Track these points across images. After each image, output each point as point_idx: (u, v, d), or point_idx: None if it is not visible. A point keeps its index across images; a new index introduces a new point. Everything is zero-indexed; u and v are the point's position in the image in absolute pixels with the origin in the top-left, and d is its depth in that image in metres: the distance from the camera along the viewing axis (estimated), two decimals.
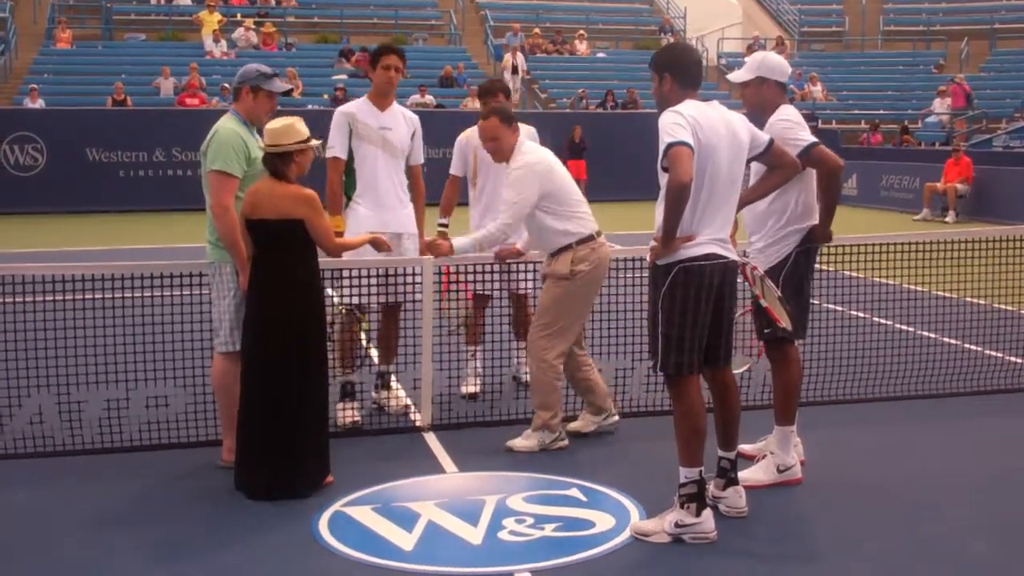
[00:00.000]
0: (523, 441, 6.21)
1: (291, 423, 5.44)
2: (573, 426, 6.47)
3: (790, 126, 5.44)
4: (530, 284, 7.32)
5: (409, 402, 6.88)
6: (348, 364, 6.75)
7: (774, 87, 5.63)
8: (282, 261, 5.45)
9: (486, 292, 7.28)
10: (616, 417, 6.56)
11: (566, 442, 6.26)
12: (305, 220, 5.41)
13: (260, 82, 5.92)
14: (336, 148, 6.76)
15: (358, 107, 6.85)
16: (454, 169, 7.51)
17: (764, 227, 5.58)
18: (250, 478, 5.47)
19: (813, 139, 5.43)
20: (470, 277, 7.10)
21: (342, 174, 6.79)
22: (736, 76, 5.75)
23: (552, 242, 6.14)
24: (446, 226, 7.44)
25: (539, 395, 6.19)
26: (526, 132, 7.43)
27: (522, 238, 6.64)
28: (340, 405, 6.69)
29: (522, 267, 7.20)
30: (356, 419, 6.69)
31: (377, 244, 6.15)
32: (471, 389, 7.38)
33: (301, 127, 5.47)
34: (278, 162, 5.44)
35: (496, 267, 6.97)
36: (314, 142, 5.54)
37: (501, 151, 6.22)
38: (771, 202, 5.52)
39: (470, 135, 7.45)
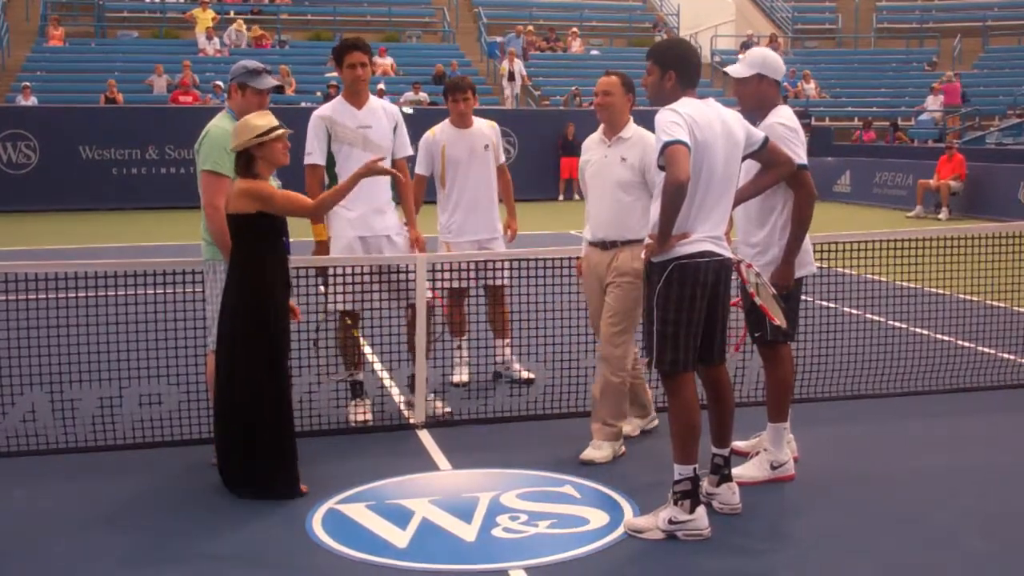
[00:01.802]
0: (599, 452, 5.97)
1: (238, 420, 5.40)
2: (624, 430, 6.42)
3: (789, 136, 5.39)
4: (506, 277, 7.34)
5: (369, 418, 6.77)
6: (353, 364, 6.73)
7: (773, 85, 5.61)
8: (235, 256, 5.41)
9: (463, 286, 7.31)
10: (656, 421, 6.51)
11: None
12: (263, 212, 5.29)
13: (247, 79, 5.91)
14: (314, 155, 6.61)
15: (334, 109, 6.69)
16: (420, 168, 7.44)
17: (756, 235, 5.57)
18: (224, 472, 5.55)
19: (804, 161, 5.40)
20: (447, 274, 7.12)
21: (321, 181, 6.65)
22: (735, 70, 5.61)
23: (639, 230, 5.84)
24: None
25: (613, 405, 5.97)
26: (492, 128, 7.50)
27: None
28: (351, 404, 6.70)
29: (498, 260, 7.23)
30: (367, 417, 6.68)
31: (373, 169, 5.60)
32: (463, 378, 7.46)
33: (257, 121, 5.34)
34: (238, 162, 5.38)
35: (478, 261, 7.08)
36: (277, 133, 5.34)
37: (610, 109, 6.03)
38: (758, 210, 5.52)
39: (436, 133, 7.41)
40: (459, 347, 7.56)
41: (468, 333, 7.62)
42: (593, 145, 6.24)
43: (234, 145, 5.36)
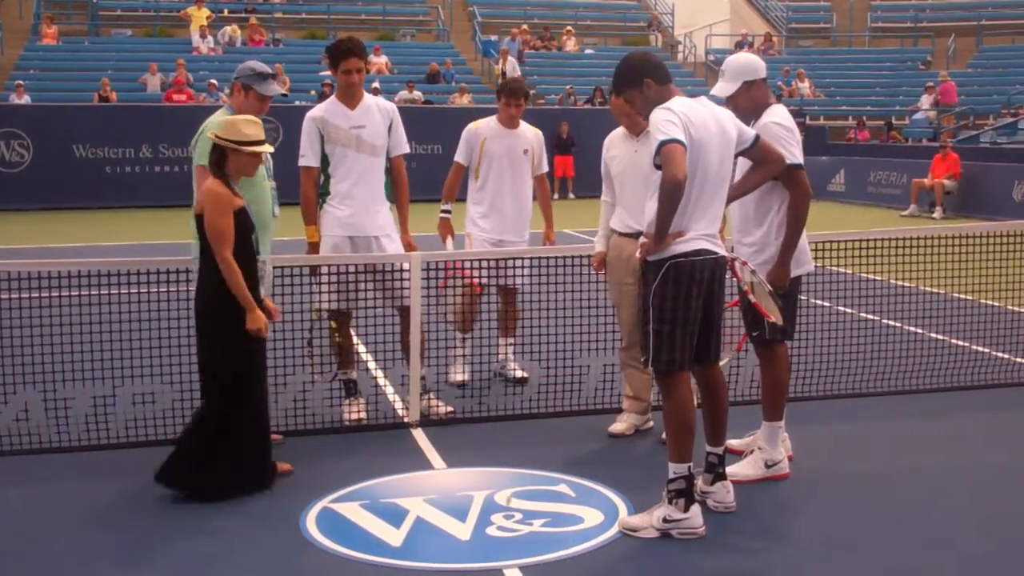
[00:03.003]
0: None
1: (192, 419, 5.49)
2: (617, 428, 6.43)
3: (785, 135, 5.38)
4: (520, 279, 7.31)
5: (363, 416, 6.77)
6: (345, 363, 6.73)
7: (761, 86, 5.60)
8: (203, 256, 5.38)
9: (482, 282, 7.29)
10: (651, 422, 6.50)
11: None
12: (204, 214, 5.29)
13: (252, 82, 5.91)
14: (307, 156, 6.58)
15: (327, 109, 6.64)
16: (459, 157, 7.47)
17: (753, 234, 5.56)
18: None
19: (799, 160, 5.39)
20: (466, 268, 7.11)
21: (316, 183, 6.62)
22: (721, 90, 5.57)
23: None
24: (449, 212, 7.45)
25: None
26: (536, 135, 7.48)
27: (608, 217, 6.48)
28: (345, 403, 6.70)
29: (516, 260, 7.19)
30: (361, 416, 6.67)
31: (252, 315, 5.34)
32: (462, 377, 7.42)
33: (245, 128, 5.33)
34: (212, 153, 5.37)
35: (489, 259, 7.03)
36: (256, 148, 5.34)
37: (637, 126, 6.09)
38: (755, 208, 5.51)
39: (480, 126, 7.44)
40: (462, 345, 7.51)
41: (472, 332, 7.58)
42: (618, 141, 6.31)
43: (213, 135, 5.34)
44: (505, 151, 7.34)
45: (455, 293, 7.17)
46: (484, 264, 7.23)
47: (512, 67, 28.92)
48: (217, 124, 5.68)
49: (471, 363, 7.50)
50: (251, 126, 5.37)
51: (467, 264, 7.17)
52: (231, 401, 5.36)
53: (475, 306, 7.42)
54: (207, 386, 5.45)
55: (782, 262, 5.46)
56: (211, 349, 5.39)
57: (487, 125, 7.43)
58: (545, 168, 7.63)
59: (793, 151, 5.37)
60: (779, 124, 5.42)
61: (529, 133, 7.48)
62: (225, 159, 5.34)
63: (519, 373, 7.51)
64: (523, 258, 7.22)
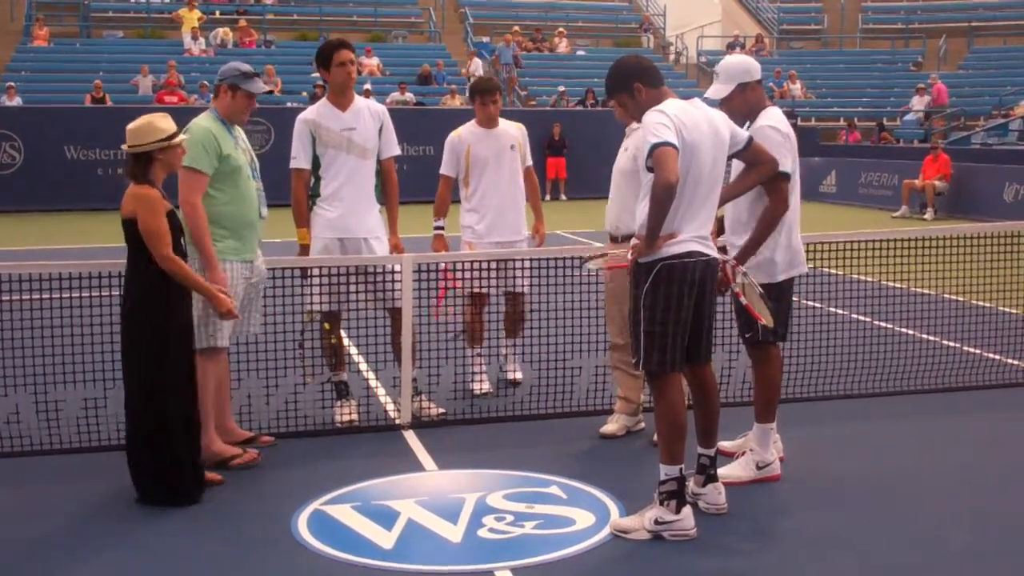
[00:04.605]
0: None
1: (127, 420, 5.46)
2: (608, 429, 6.42)
3: (780, 141, 5.36)
4: (526, 283, 7.28)
5: (355, 418, 6.76)
6: (336, 365, 6.72)
7: (756, 88, 5.58)
8: (130, 261, 5.36)
9: (484, 291, 7.21)
10: (643, 423, 6.49)
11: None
12: (136, 218, 5.25)
13: (239, 81, 5.89)
14: (299, 159, 6.58)
15: (318, 112, 6.63)
16: (445, 169, 7.32)
17: (744, 237, 5.55)
18: None
19: (787, 171, 5.36)
20: (464, 275, 7.05)
21: (307, 185, 6.62)
22: (716, 92, 5.54)
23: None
24: (443, 228, 7.33)
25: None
26: (519, 129, 7.43)
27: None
28: (337, 404, 6.69)
29: (520, 264, 7.16)
30: (353, 417, 6.67)
31: (216, 300, 5.48)
32: (486, 388, 7.30)
33: (162, 123, 5.28)
34: (133, 163, 5.30)
35: (493, 265, 6.99)
36: (179, 138, 5.32)
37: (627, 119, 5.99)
38: (748, 211, 5.50)
39: (462, 133, 7.29)
40: (479, 355, 7.38)
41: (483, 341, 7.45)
42: (629, 137, 6.24)
43: (136, 144, 5.27)
44: (492, 152, 7.26)
45: (457, 305, 7.10)
46: (486, 268, 7.11)
47: (476, 67, 28.68)
48: (203, 134, 5.67)
49: (464, 366, 7.50)
50: (165, 120, 5.32)
51: (466, 272, 7.08)
52: (162, 402, 5.32)
53: (482, 318, 7.34)
54: (134, 394, 5.38)
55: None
56: (140, 356, 5.33)
57: (468, 131, 7.29)
58: (530, 162, 7.51)
59: (784, 159, 5.34)
60: (775, 129, 5.39)
61: (512, 129, 7.37)
62: (150, 164, 5.28)
63: (512, 375, 7.49)
64: (523, 259, 7.15)
